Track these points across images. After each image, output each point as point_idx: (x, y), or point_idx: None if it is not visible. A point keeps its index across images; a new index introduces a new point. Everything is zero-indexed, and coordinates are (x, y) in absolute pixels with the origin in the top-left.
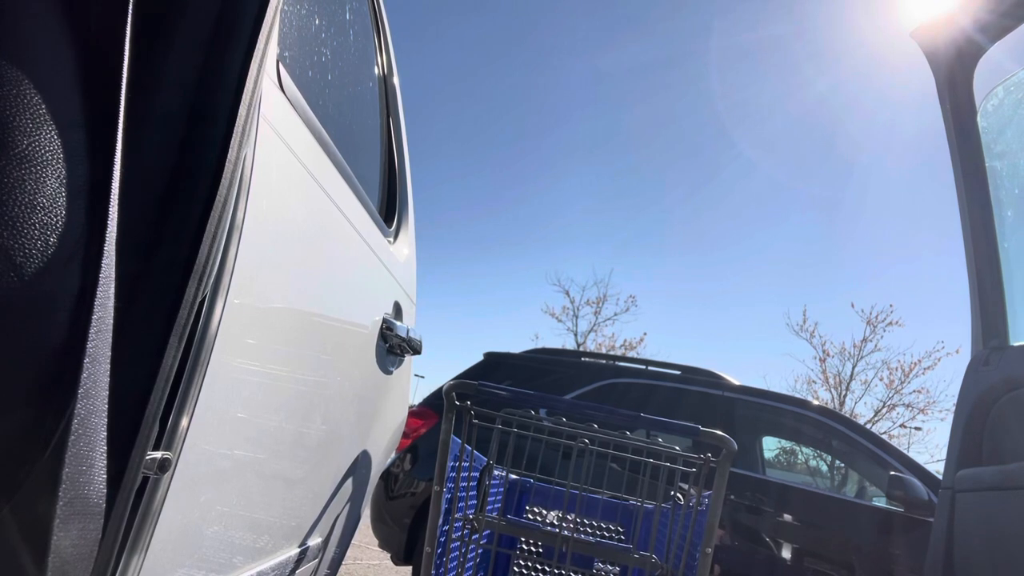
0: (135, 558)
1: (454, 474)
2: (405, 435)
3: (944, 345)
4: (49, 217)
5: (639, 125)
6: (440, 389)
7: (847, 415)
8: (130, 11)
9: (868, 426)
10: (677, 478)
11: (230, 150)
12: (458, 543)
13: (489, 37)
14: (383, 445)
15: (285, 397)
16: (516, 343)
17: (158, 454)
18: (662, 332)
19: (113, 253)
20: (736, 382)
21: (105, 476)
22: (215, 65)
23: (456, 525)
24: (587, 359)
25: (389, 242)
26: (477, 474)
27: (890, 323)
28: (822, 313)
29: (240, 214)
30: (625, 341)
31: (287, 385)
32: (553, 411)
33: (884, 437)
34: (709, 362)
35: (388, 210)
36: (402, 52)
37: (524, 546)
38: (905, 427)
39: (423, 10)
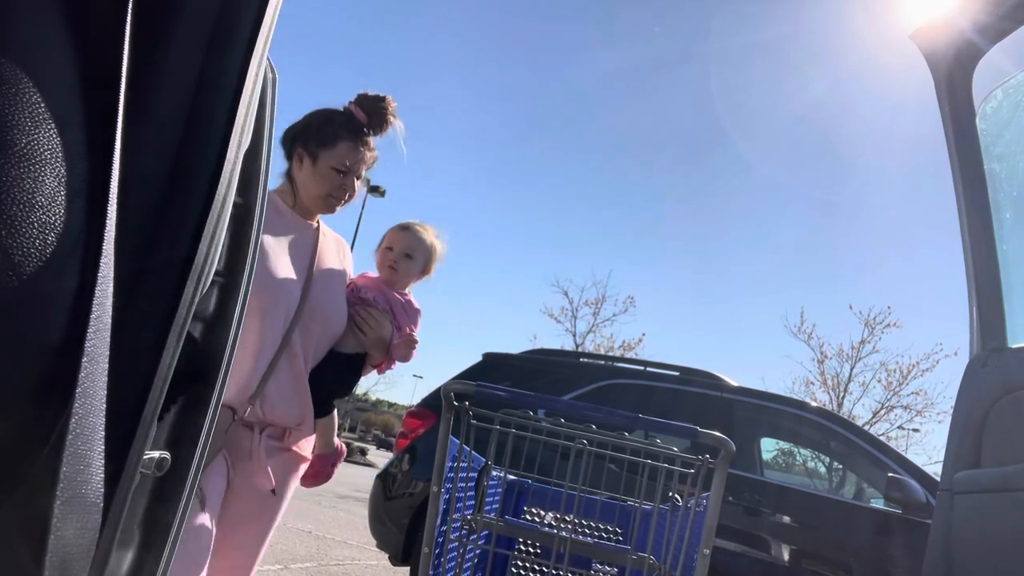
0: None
1: (452, 474)
2: (403, 435)
3: (942, 347)
4: (47, 215)
5: (639, 127)
6: (438, 389)
7: (845, 417)
8: (130, 9)
9: (866, 428)
10: (675, 479)
11: (229, 149)
12: (456, 544)
13: (489, 39)
14: None
15: None
16: (514, 344)
17: (156, 453)
18: (661, 333)
19: (112, 252)
20: (734, 383)
21: (103, 475)
22: (215, 65)
23: (454, 526)
24: (585, 360)
25: None
26: (475, 475)
27: (888, 325)
28: (820, 315)
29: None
30: (624, 342)
31: None
32: (551, 412)
33: (882, 439)
34: (707, 363)
35: None
36: (404, 54)
37: (522, 547)
38: (903, 429)
39: (422, 11)
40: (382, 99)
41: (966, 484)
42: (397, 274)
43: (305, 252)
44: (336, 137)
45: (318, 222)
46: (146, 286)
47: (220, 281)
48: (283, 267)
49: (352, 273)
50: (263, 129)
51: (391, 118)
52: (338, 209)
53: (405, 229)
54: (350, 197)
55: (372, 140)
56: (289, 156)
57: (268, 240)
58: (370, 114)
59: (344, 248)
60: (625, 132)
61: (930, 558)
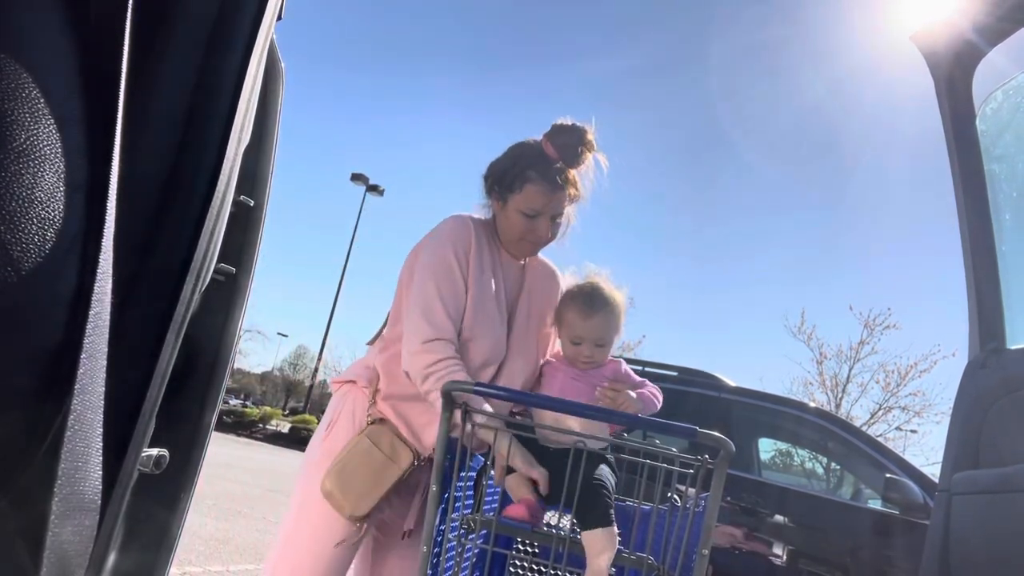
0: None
1: (451, 473)
2: None
3: (941, 348)
4: (47, 212)
5: (639, 128)
6: None
7: (843, 417)
8: (130, 9)
9: (864, 428)
10: (674, 479)
11: (228, 147)
12: (455, 543)
13: (489, 39)
14: None
15: None
16: None
17: (154, 451)
18: (660, 333)
19: (111, 249)
20: (733, 384)
21: (101, 472)
22: (214, 65)
23: (453, 525)
24: None
25: None
26: (474, 474)
27: (887, 326)
28: (820, 315)
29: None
30: (623, 343)
31: None
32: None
33: (880, 440)
34: (706, 363)
35: None
36: (401, 52)
37: (520, 546)
38: (901, 430)
39: (420, 16)
40: (574, 130)
41: (965, 485)
42: (594, 364)
43: (509, 292)
44: (524, 180)
45: (526, 258)
46: (145, 284)
47: (224, 280)
48: (493, 312)
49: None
50: (270, 125)
51: (586, 152)
52: (539, 250)
53: (587, 315)
54: (549, 238)
55: (573, 173)
56: (489, 193)
57: (482, 277)
58: (561, 149)
59: (556, 285)
60: (625, 133)
61: (928, 559)
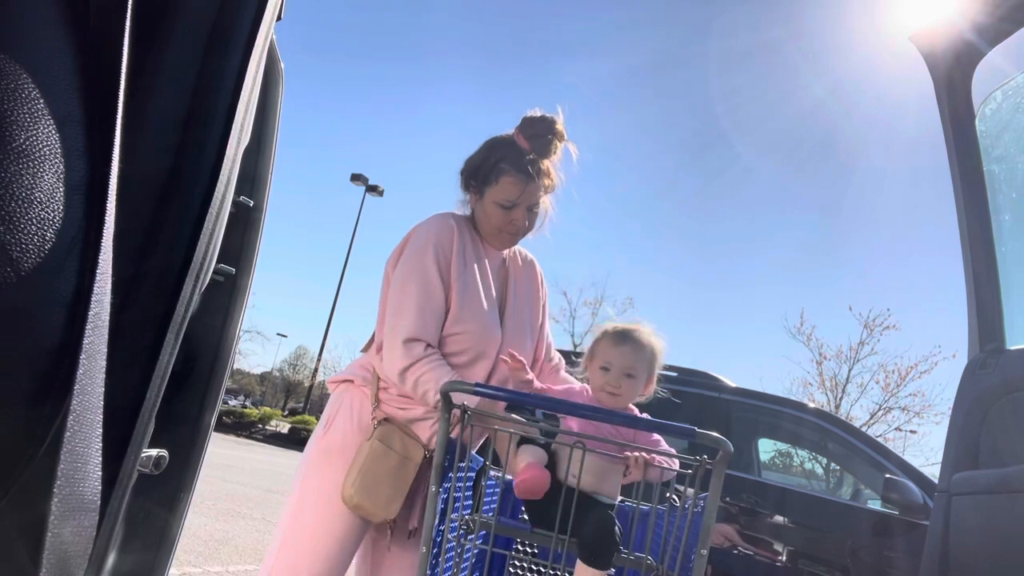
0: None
1: (451, 474)
2: None
3: (940, 349)
4: (46, 212)
5: (639, 128)
6: None
7: (843, 418)
8: (129, 10)
9: (863, 429)
10: (673, 480)
11: (228, 148)
12: (454, 543)
13: (488, 39)
14: None
15: None
16: None
17: (154, 451)
18: (659, 333)
19: (110, 249)
20: (732, 384)
21: (100, 473)
22: (214, 65)
23: (452, 525)
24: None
25: None
26: (473, 475)
27: (887, 327)
28: (819, 316)
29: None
30: None
31: None
32: (550, 412)
33: (880, 440)
34: (706, 364)
35: None
36: (410, 68)
37: (520, 547)
38: (900, 430)
39: (419, 8)
40: (544, 121)
41: (964, 485)
42: (620, 398)
43: (496, 284)
44: (499, 173)
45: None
46: (145, 285)
47: (224, 280)
48: (480, 303)
49: (546, 296)
50: (270, 125)
51: (555, 142)
52: (518, 241)
53: (620, 342)
54: (526, 228)
55: (547, 163)
56: (466, 188)
57: (466, 271)
58: (532, 139)
59: (535, 271)
60: (625, 133)
61: (927, 559)
